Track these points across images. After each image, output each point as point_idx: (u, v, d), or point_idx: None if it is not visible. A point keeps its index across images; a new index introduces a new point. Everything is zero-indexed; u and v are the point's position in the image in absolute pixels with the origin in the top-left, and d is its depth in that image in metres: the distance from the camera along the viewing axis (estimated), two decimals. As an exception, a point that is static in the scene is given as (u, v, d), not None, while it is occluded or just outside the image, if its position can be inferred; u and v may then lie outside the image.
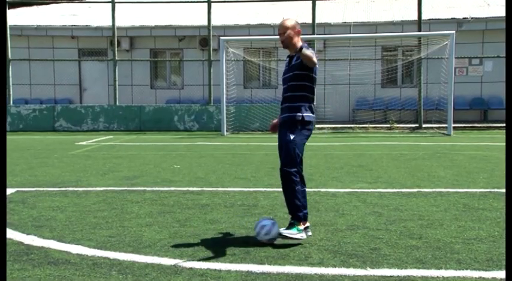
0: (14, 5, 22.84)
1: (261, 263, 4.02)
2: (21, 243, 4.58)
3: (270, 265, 3.97)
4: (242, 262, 4.05)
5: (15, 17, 22.06)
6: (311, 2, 18.14)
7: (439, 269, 3.85)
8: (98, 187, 7.31)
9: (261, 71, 21.51)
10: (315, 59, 4.51)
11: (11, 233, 4.87)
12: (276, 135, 4.89)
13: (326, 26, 20.31)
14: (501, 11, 19.29)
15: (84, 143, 14.16)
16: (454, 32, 16.64)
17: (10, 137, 15.39)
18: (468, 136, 15.64)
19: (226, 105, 17.20)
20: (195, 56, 21.45)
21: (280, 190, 4.74)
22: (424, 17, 18.55)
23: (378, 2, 22.87)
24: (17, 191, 7.04)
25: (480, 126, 18.37)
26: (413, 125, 18.43)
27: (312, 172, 8.32)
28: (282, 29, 4.71)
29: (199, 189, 7.14)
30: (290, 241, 4.51)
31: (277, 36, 4.83)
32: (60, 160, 10.36)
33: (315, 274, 3.78)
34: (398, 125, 18.50)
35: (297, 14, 18.36)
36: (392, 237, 4.71)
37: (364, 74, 19.68)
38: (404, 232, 4.89)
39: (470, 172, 8.46)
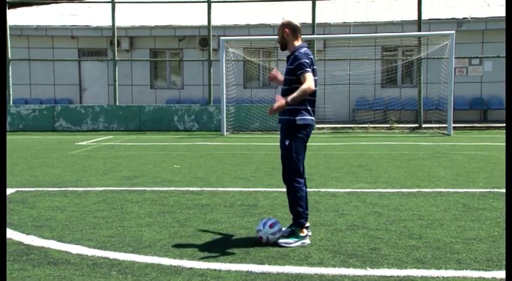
0: (14, 5, 22.84)
1: (261, 263, 4.02)
2: (21, 243, 4.58)
3: (270, 265, 3.97)
4: (242, 262, 4.05)
5: (15, 17, 22.06)
6: (311, 2, 18.13)
7: (439, 269, 3.85)
8: (97, 187, 7.31)
9: (261, 71, 21.51)
10: (310, 87, 4.41)
11: (11, 233, 4.87)
12: (276, 136, 4.87)
13: (326, 26, 20.30)
14: (501, 11, 19.30)
15: (84, 143, 14.16)
16: (454, 32, 16.64)
17: (10, 137, 15.40)
18: (468, 136, 15.64)
19: (226, 105, 17.20)
20: (195, 56, 21.45)
21: (280, 190, 4.75)
22: (424, 17, 18.55)
23: (378, 2, 22.88)
24: (17, 191, 7.04)
25: (480, 126, 18.37)
26: (413, 125, 18.43)
27: (312, 172, 8.31)
28: (280, 28, 4.70)
29: (199, 189, 7.14)
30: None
31: (277, 36, 4.80)
32: (60, 160, 10.36)
33: (315, 274, 3.78)
34: (398, 125, 18.50)
35: (297, 14, 18.38)
36: (392, 237, 4.71)
37: (364, 74, 19.69)
38: (404, 232, 4.89)
39: (470, 172, 8.46)
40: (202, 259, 4.13)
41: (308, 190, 4.83)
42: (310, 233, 4.66)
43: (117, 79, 19.09)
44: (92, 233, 4.90)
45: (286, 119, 4.60)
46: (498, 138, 14.29)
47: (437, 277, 3.70)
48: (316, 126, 17.51)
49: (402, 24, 20.27)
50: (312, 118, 4.65)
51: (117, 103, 19.09)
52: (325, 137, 15.52)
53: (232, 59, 18.56)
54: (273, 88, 21.09)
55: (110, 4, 18.86)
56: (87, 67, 22.69)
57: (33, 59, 21.46)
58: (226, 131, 17.21)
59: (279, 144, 4.79)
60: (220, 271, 3.85)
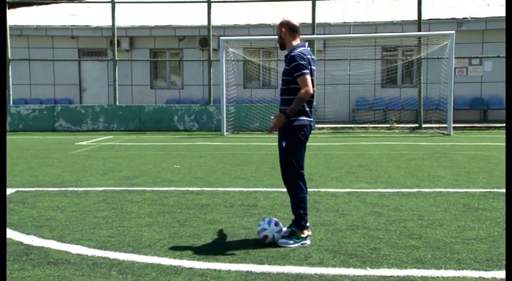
0: (14, 5, 22.84)
1: (261, 263, 4.02)
2: (21, 243, 4.58)
3: (270, 265, 3.97)
4: (242, 262, 4.05)
5: (15, 17, 22.05)
6: (311, 2, 18.13)
7: (438, 269, 3.85)
8: (97, 187, 7.31)
9: (261, 71, 21.51)
10: (308, 90, 4.40)
11: (11, 233, 4.87)
12: (276, 136, 4.86)
13: (326, 26, 20.30)
14: (501, 11, 19.29)
15: (84, 143, 14.16)
16: (454, 32, 16.64)
17: (10, 137, 15.39)
18: (468, 136, 15.64)
19: (226, 105, 17.20)
20: (195, 56, 21.45)
21: (280, 190, 4.75)
22: (424, 17, 18.55)
23: (378, 2, 22.87)
24: (17, 191, 7.04)
25: (480, 126, 18.37)
26: (413, 125, 18.43)
27: (312, 172, 8.31)
28: (278, 27, 4.69)
29: (199, 189, 7.14)
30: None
31: (277, 36, 4.79)
32: (60, 160, 10.36)
33: (315, 274, 3.78)
34: (398, 125, 18.50)
35: (297, 14, 18.37)
36: (392, 237, 4.71)
37: (364, 74, 19.68)
38: (404, 232, 4.89)
39: (470, 172, 8.46)
40: (202, 259, 4.13)
41: (308, 190, 4.82)
42: (310, 233, 4.65)
43: (117, 79, 19.09)
44: (92, 233, 4.90)
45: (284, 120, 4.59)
46: (498, 138, 14.29)
47: (437, 277, 3.70)
48: (316, 126, 17.51)
49: (402, 24, 20.26)
50: (309, 119, 4.62)
51: (117, 103, 19.09)
52: (325, 137, 15.52)
53: (232, 59, 18.56)
54: (273, 88, 21.09)
55: (110, 4, 18.86)
56: (87, 67, 22.69)
57: (33, 59, 21.46)
58: (226, 131, 17.20)
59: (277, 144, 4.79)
60: (220, 271, 3.85)
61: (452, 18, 20.31)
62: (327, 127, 18.28)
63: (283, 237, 4.52)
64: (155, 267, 3.95)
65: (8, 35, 19.00)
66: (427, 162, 9.76)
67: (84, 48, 22.47)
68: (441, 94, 17.71)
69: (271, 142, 13.56)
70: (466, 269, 3.84)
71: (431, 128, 17.98)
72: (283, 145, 4.56)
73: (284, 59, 4.71)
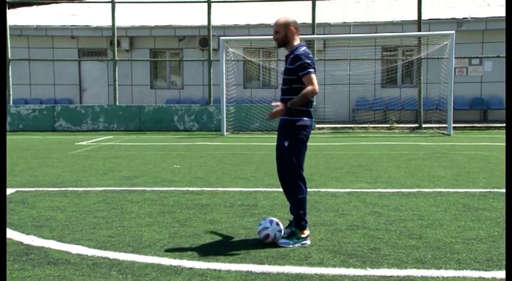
0: (14, 5, 22.83)
1: (261, 263, 4.02)
2: (21, 243, 4.58)
3: (270, 265, 3.97)
4: (242, 262, 4.05)
5: (15, 17, 22.05)
6: (311, 2, 18.14)
7: (438, 269, 3.85)
8: (97, 187, 7.31)
9: (261, 71, 21.51)
10: (314, 88, 4.41)
11: (11, 233, 4.87)
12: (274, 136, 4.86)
13: (326, 26, 20.30)
14: (501, 11, 19.29)
15: (84, 143, 14.16)
16: (454, 32, 16.64)
17: (10, 137, 15.39)
18: (468, 136, 15.64)
19: (226, 105, 17.20)
20: (195, 56, 21.44)
21: (280, 190, 4.74)
22: (424, 17, 18.54)
23: (378, 2, 22.87)
24: (17, 191, 7.04)
25: (480, 126, 18.37)
26: (413, 125, 18.43)
27: (312, 172, 8.31)
28: (275, 27, 4.62)
29: (199, 189, 7.14)
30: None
31: (276, 34, 4.72)
32: (60, 160, 10.36)
33: (315, 274, 3.78)
34: (398, 125, 18.50)
35: (297, 14, 18.35)
36: (392, 237, 4.71)
37: (364, 74, 19.68)
38: (404, 232, 4.89)
39: (470, 172, 8.46)
40: (202, 259, 4.13)
41: (308, 190, 4.82)
42: (308, 233, 4.65)
43: (117, 79, 19.09)
44: (92, 233, 4.90)
45: (285, 120, 4.57)
46: (498, 138, 14.29)
47: (437, 277, 3.70)
48: (316, 126, 17.52)
49: (402, 24, 20.26)
50: (311, 119, 4.62)
51: (117, 103, 19.09)
52: (325, 137, 15.52)
53: (232, 59, 18.56)
54: (273, 88, 21.10)
55: (110, 4, 18.86)
56: (87, 67, 22.68)
57: (33, 59, 21.46)
58: (226, 131, 17.20)
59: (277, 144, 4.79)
60: (220, 271, 3.85)
61: (452, 18, 20.31)
62: (327, 127, 18.28)
63: (283, 237, 4.52)
64: (155, 267, 3.95)
65: (8, 35, 19.00)
66: (427, 162, 9.76)
67: (84, 48, 22.47)
68: (441, 94, 17.71)
69: (271, 142, 13.54)
70: (466, 269, 3.84)
71: (431, 128, 17.98)
72: (286, 144, 4.54)
73: (285, 58, 4.69)
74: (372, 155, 10.89)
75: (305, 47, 4.59)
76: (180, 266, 3.96)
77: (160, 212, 5.77)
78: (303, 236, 4.51)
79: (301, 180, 4.58)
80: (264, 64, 20.99)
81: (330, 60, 19.62)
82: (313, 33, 17.79)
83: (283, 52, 4.85)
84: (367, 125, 18.51)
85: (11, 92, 19.29)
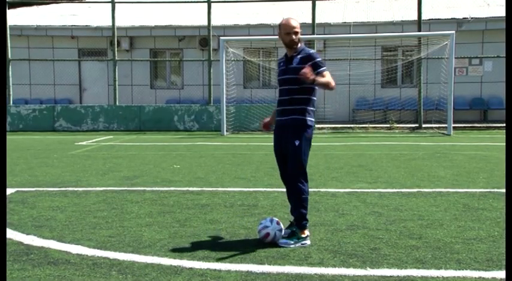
0: (14, 5, 22.84)
1: (261, 263, 4.02)
2: (21, 243, 4.58)
3: (270, 265, 3.97)
4: (242, 262, 4.05)
5: (15, 17, 22.06)
6: (311, 2, 18.14)
7: (438, 269, 3.85)
8: (97, 187, 7.31)
9: (261, 71, 21.51)
10: (333, 83, 4.45)
11: (11, 233, 4.87)
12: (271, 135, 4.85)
13: (326, 26, 20.30)
14: (501, 11, 19.30)
15: (84, 143, 14.16)
16: (454, 32, 16.64)
17: (10, 137, 15.39)
18: (468, 136, 15.64)
19: (226, 105, 17.20)
20: (195, 56, 21.45)
21: (280, 190, 4.74)
22: (424, 17, 18.55)
23: (378, 2, 22.88)
24: (17, 191, 7.04)
25: (480, 126, 18.37)
26: (413, 125, 18.43)
27: (312, 172, 8.31)
28: (297, 27, 4.55)
29: (199, 189, 7.14)
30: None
31: (277, 36, 4.75)
32: (60, 160, 10.36)
33: (315, 274, 3.78)
34: (398, 125, 18.50)
35: (297, 14, 18.35)
36: (392, 237, 4.71)
37: (364, 74, 19.69)
38: (404, 232, 4.89)
39: (470, 172, 8.46)
40: (202, 259, 4.13)
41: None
42: (308, 233, 4.65)
43: (117, 79, 19.10)
44: (92, 233, 4.90)
45: (295, 119, 4.56)
46: (498, 138, 14.29)
47: (437, 277, 3.70)
48: (316, 126, 17.51)
49: (402, 24, 20.26)
50: (313, 119, 4.69)
51: (117, 103, 19.10)
52: (325, 137, 15.52)
53: (232, 59, 18.56)
54: (273, 88, 21.09)
55: (110, 4, 18.87)
56: (87, 67, 22.69)
57: (33, 59, 21.46)
58: (226, 131, 17.21)
59: (276, 144, 4.79)
60: (220, 271, 3.85)
61: (452, 18, 20.32)
62: (327, 127, 18.28)
63: (283, 237, 4.52)
64: (155, 267, 3.95)
65: (8, 35, 19.00)
66: (427, 162, 9.76)
67: (84, 48, 22.48)
68: (441, 94, 17.72)
69: (271, 142, 13.53)
70: (466, 269, 3.83)
71: (431, 128, 17.99)
72: (297, 144, 4.52)
73: (289, 59, 4.63)
74: (372, 155, 10.89)
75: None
76: (180, 266, 3.96)
77: (160, 212, 5.77)
78: (303, 236, 4.51)
79: (306, 179, 4.60)
80: (264, 64, 20.99)
81: (330, 60, 19.58)
82: (313, 33, 17.79)
83: (282, 52, 4.84)
84: (367, 125, 18.51)
85: (11, 92, 19.30)
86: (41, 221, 5.37)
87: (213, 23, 18.89)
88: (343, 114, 20.73)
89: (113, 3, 18.75)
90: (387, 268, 3.90)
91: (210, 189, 7.14)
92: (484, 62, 20.60)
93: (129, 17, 21.80)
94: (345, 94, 20.93)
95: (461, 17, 20.37)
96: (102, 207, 6.04)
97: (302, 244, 4.46)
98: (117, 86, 19.09)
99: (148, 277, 3.74)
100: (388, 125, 18.50)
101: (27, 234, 4.87)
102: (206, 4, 18.60)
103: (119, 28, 19.88)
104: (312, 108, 4.62)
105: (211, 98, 18.71)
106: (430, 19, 19.88)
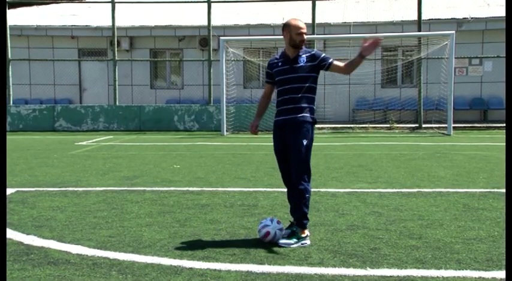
0: (14, 5, 22.84)
1: (261, 263, 4.02)
2: (21, 243, 4.58)
3: (270, 265, 3.97)
4: (242, 262, 4.05)
5: (15, 17, 22.05)
6: (311, 2, 18.14)
7: (438, 269, 3.85)
8: (97, 187, 7.31)
9: (261, 71, 21.50)
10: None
11: (11, 233, 4.87)
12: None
13: (326, 26, 20.30)
14: (501, 11, 19.29)
15: (84, 143, 14.16)
16: (454, 32, 16.64)
17: (10, 137, 15.39)
18: (468, 136, 15.64)
19: (226, 105, 17.20)
20: (195, 56, 21.45)
21: (280, 190, 4.74)
22: (424, 17, 18.55)
23: (378, 2, 22.87)
24: (17, 191, 7.04)
25: (480, 126, 18.37)
26: (413, 125, 18.44)
27: (312, 172, 8.25)
28: (305, 28, 4.64)
29: (199, 189, 7.14)
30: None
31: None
32: (60, 160, 10.36)
33: (315, 274, 3.78)
34: (398, 125, 18.50)
35: (297, 14, 18.35)
36: (392, 237, 4.71)
37: (364, 74, 19.65)
38: (404, 232, 4.89)
39: (470, 172, 8.46)
40: (202, 259, 4.13)
41: (308, 190, 4.82)
42: (308, 233, 4.65)
43: (117, 79, 19.10)
44: (92, 233, 4.90)
45: (302, 117, 4.57)
46: (498, 138, 14.29)
47: (437, 277, 3.70)
48: (316, 126, 17.47)
49: (402, 24, 20.26)
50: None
51: (117, 103, 19.10)
52: (325, 137, 15.52)
53: (232, 59, 18.56)
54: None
55: (110, 4, 18.87)
56: (87, 67, 22.69)
57: (33, 59, 21.47)
58: (226, 131, 17.21)
59: (277, 144, 4.79)
60: (220, 271, 3.85)
61: (452, 18, 20.32)
62: (327, 127, 18.28)
63: (283, 237, 4.52)
64: (155, 267, 3.95)
65: (8, 35, 19.01)
66: (427, 162, 9.76)
67: (84, 48, 22.48)
68: (441, 94, 17.72)
69: (271, 142, 13.53)
70: (466, 269, 3.83)
71: (431, 128, 17.99)
72: (304, 143, 4.54)
73: (291, 59, 4.64)
74: (372, 155, 10.89)
75: None
76: (180, 266, 3.96)
77: (160, 212, 5.77)
78: (303, 235, 4.51)
79: (309, 179, 4.62)
80: (264, 64, 20.97)
81: (330, 60, 19.59)
82: (313, 33, 17.78)
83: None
84: (367, 125, 18.51)
85: (11, 92, 19.30)
86: (41, 221, 5.37)
87: (213, 23, 18.90)
88: (343, 114, 20.73)
89: (113, 3, 18.75)
90: (387, 268, 3.90)
91: (210, 189, 7.14)
92: (484, 62, 20.60)
93: (129, 17, 21.79)
94: (345, 94, 20.93)
95: (461, 17, 20.37)
96: (102, 207, 6.04)
97: (302, 244, 4.46)
98: (117, 86, 19.10)
99: (148, 277, 3.74)
100: (388, 125, 18.50)
101: (27, 234, 4.87)
102: (206, 4, 18.61)
103: (119, 28, 19.88)
104: (314, 107, 4.71)
105: (211, 98, 18.71)
106: (430, 19, 19.87)
